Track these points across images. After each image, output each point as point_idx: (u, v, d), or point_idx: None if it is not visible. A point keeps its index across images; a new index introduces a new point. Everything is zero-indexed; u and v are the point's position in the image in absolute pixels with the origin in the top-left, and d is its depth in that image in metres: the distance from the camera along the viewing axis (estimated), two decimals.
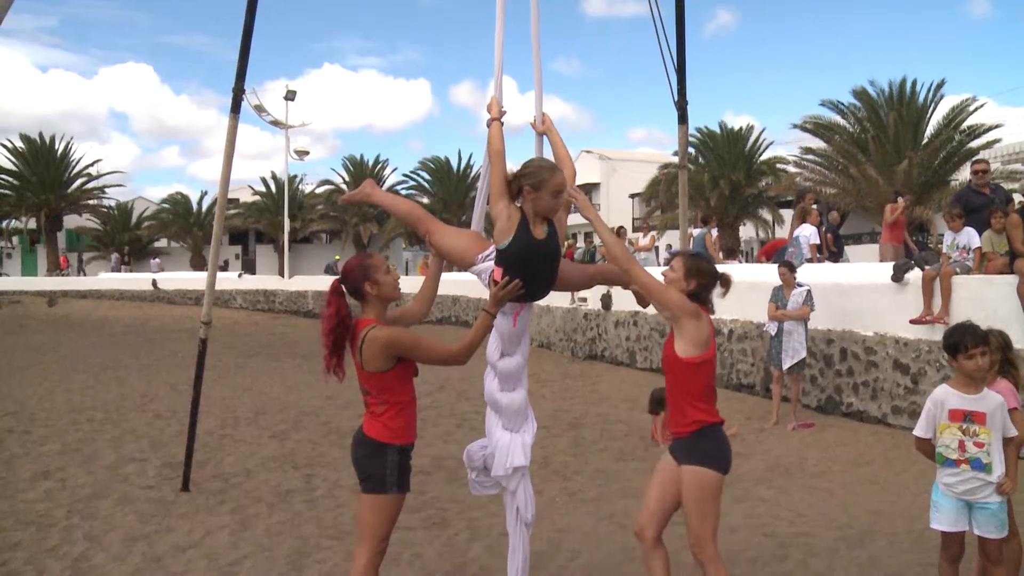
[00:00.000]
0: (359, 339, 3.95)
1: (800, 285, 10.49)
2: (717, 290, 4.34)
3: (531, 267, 4.18)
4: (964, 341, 4.27)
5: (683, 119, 8.16)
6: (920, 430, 4.43)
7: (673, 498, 4.20)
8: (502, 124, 4.40)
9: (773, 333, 10.53)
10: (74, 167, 52.25)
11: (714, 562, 4.04)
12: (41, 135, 51.03)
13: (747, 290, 11.40)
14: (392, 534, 4.18)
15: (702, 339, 4.09)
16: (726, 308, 12.60)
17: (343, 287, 4.06)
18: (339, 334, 3.99)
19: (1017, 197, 9.87)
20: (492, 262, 4.20)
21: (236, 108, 7.28)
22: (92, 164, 53.04)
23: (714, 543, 4.08)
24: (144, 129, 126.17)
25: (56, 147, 51.29)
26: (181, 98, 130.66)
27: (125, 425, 10.36)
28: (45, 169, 50.11)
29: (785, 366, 10.32)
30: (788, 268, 10.69)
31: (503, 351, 4.39)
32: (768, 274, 11.95)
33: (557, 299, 18.76)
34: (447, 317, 27.50)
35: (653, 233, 22.43)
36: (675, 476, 4.18)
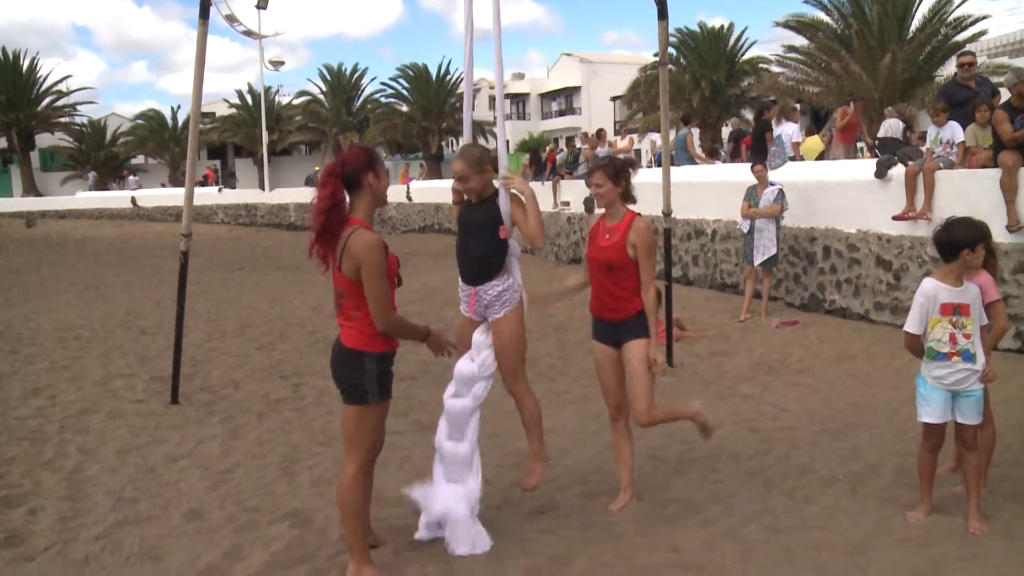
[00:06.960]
0: (343, 238, 3.73)
1: (772, 184, 10.62)
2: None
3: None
4: (984, 236, 4.30)
5: (663, 14, 7.98)
6: (912, 326, 4.43)
7: (623, 376, 4.82)
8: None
9: (746, 230, 10.78)
10: (42, 84, 50.88)
11: (656, 424, 4.83)
12: (4, 50, 49.48)
13: (730, 190, 11.37)
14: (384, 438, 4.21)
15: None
16: (709, 208, 12.55)
17: (340, 171, 3.78)
18: (332, 217, 3.73)
19: (1005, 93, 9.72)
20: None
21: (205, 14, 7.02)
22: (61, 80, 51.70)
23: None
24: (109, 44, 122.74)
25: (21, 63, 49.85)
26: (144, 10, 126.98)
27: (111, 342, 10.36)
28: (12, 86, 48.71)
29: (756, 262, 10.63)
30: (762, 166, 10.85)
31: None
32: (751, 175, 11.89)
33: (540, 204, 18.66)
34: (430, 225, 27.45)
35: (632, 136, 22.36)
36: (615, 359, 4.79)
